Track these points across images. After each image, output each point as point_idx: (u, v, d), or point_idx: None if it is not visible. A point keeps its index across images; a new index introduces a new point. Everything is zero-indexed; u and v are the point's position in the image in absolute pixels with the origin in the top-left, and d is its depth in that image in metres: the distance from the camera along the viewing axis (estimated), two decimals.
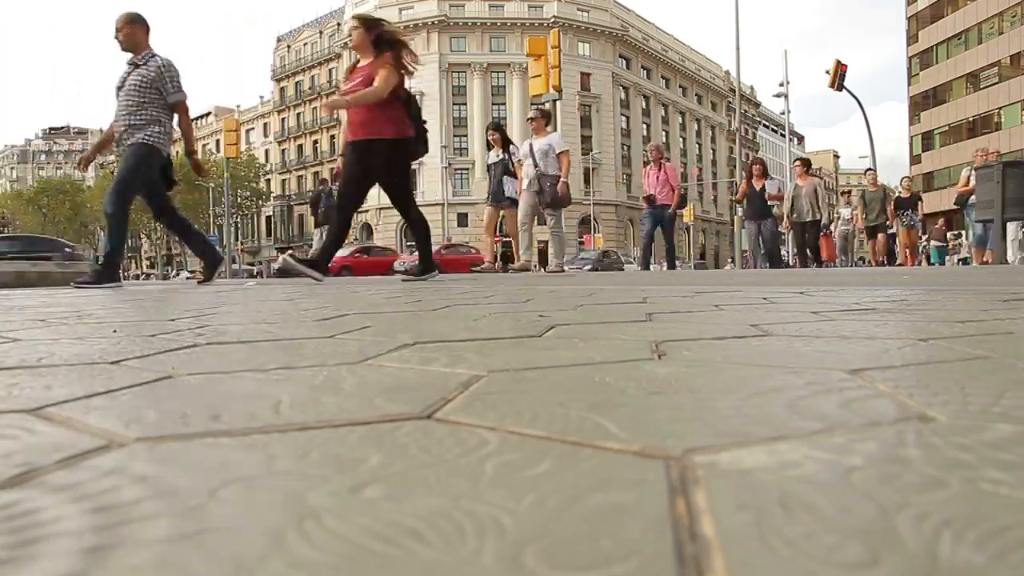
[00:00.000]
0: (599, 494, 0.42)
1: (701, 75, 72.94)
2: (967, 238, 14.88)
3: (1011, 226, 10.41)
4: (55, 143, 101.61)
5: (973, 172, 10.13)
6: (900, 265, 12.45)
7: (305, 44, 64.29)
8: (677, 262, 10.87)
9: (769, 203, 10.64)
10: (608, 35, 58.33)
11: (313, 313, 2.03)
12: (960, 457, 0.48)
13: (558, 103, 13.21)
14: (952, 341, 1.14)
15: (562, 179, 7.93)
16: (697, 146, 72.14)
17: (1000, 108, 44.02)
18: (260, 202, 60.73)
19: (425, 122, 5.44)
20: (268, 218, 63.18)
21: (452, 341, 1.25)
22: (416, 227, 5.35)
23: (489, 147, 9.05)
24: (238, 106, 72.58)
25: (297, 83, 64.67)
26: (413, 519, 0.38)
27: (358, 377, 0.88)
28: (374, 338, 1.32)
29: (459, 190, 53.50)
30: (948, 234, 19.47)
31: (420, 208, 5.45)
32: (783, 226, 11.18)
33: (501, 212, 8.56)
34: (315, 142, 62.54)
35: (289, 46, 65.69)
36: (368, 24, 5.14)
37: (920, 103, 50.45)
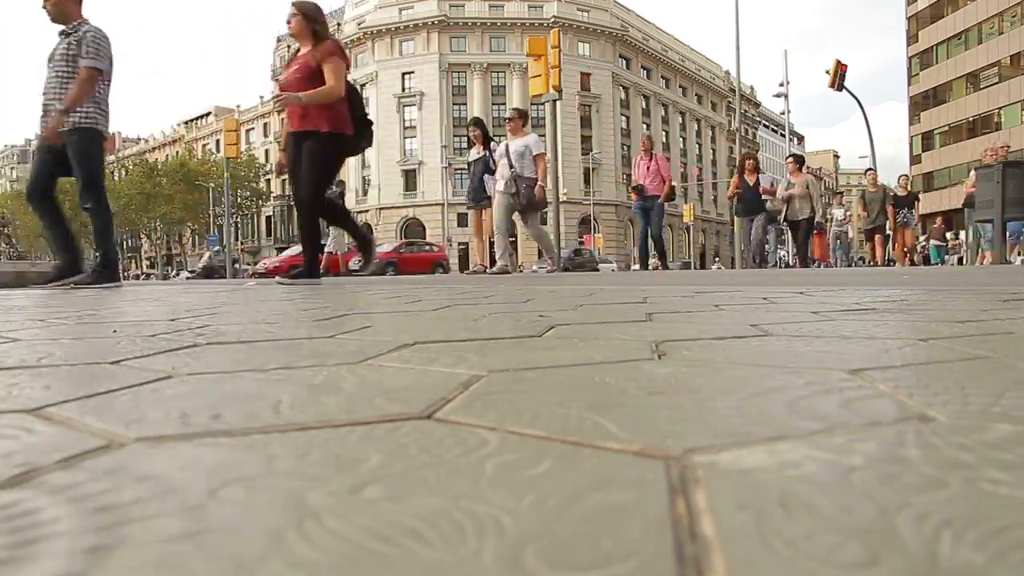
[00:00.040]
0: (599, 494, 0.42)
1: (701, 75, 72.95)
2: (967, 238, 14.85)
3: (988, 227, 10.40)
4: None
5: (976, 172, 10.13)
6: (892, 264, 12.38)
7: None
8: (652, 261, 10.64)
9: (763, 197, 10.51)
10: (608, 35, 58.34)
11: (313, 313, 2.03)
12: (960, 457, 0.48)
13: (558, 103, 13.20)
14: (952, 341, 1.14)
15: (539, 182, 7.82)
16: (697, 146, 72.15)
17: (1000, 108, 44.05)
18: (260, 202, 60.72)
19: (368, 115, 5.30)
20: (268, 218, 63.11)
21: (452, 341, 1.25)
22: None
23: (470, 144, 8.90)
24: (238, 106, 72.59)
25: None
26: (413, 519, 0.38)
27: (358, 377, 0.88)
28: (374, 338, 1.32)
29: (459, 190, 53.43)
30: (948, 234, 19.48)
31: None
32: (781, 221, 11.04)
33: (490, 211, 8.45)
34: None
35: (289, 46, 65.61)
36: (307, 12, 5.00)
37: (920, 103, 50.47)
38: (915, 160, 50.71)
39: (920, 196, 14.77)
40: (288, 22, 5.08)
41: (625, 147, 61.34)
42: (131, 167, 58.02)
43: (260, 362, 1.03)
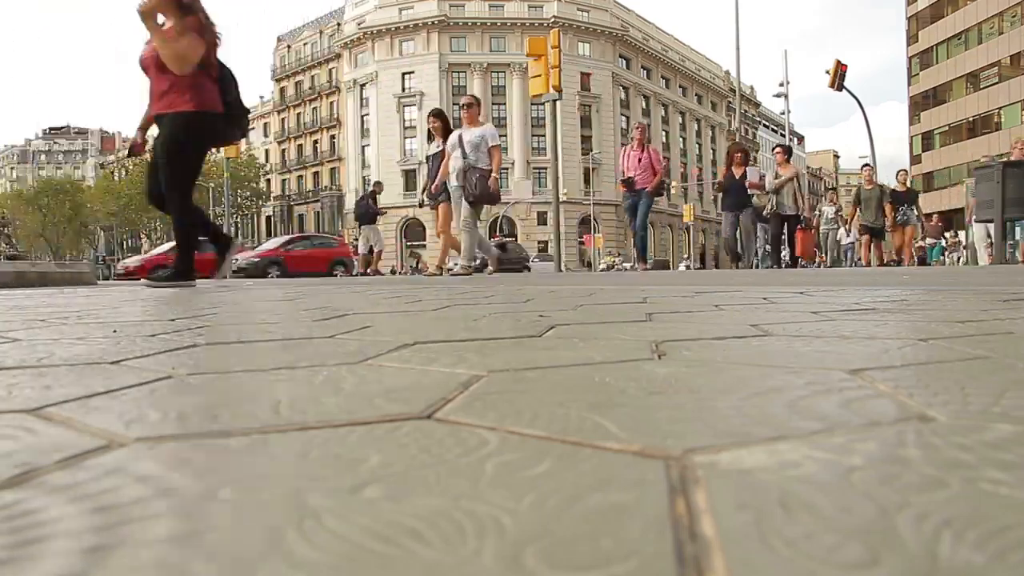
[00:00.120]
0: (599, 494, 0.42)
1: (701, 75, 72.93)
2: (967, 238, 14.79)
3: (978, 227, 10.35)
4: (55, 143, 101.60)
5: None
6: (887, 264, 12.09)
7: (305, 44, 64.28)
8: (628, 263, 10.18)
9: (749, 191, 9.94)
10: (608, 35, 58.32)
11: (313, 313, 2.03)
12: (960, 457, 0.48)
13: (558, 103, 13.21)
14: (952, 341, 1.14)
15: (493, 174, 7.35)
16: (697, 146, 72.11)
17: (1000, 108, 44.02)
18: (260, 202, 60.75)
19: (242, 101, 4.80)
20: (268, 218, 63.14)
21: (452, 341, 1.25)
22: (174, 223, 4.57)
23: (430, 137, 8.25)
24: None
25: (297, 83, 64.67)
26: (413, 519, 0.38)
27: (358, 377, 0.88)
28: (374, 338, 1.32)
29: None
30: (947, 234, 19.47)
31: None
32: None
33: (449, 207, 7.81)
34: (315, 142, 62.53)
35: (289, 46, 65.69)
36: None
37: (920, 103, 50.46)
38: (915, 160, 50.69)
39: (920, 196, 14.60)
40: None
41: (625, 147, 61.25)
42: (131, 167, 58.01)
43: (260, 362, 1.03)
